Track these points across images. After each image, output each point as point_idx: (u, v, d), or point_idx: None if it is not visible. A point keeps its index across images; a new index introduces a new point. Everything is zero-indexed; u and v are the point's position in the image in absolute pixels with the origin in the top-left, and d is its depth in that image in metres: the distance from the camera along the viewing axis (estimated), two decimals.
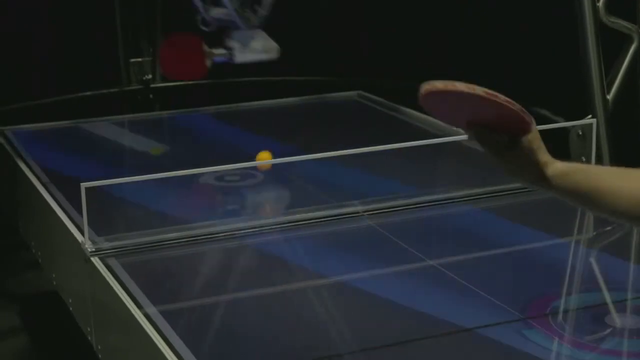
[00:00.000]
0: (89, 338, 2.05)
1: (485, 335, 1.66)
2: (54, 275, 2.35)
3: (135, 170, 2.59)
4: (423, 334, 1.68)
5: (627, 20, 2.64)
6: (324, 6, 3.52)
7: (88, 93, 3.54)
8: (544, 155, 1.20)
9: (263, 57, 3.06)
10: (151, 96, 3.55)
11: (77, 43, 3.61)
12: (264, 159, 2.26)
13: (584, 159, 2.62)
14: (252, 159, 2.61)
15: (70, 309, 2.20)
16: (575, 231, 2.19)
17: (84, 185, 1.95)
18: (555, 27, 3.08)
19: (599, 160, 2.53)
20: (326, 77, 3.46)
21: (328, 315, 1.80)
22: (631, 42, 2.64)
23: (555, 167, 1.19)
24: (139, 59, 3.56)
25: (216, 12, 3.02)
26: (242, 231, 2.10)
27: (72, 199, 2.33)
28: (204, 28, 3.06)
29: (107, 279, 1.88)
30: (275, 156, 2.60)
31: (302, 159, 2.30)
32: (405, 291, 1.86)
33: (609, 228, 2.16)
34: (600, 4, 2.59)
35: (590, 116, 2.65)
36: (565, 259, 2.04)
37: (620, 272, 1.91)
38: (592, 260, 2.02)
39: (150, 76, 3.56)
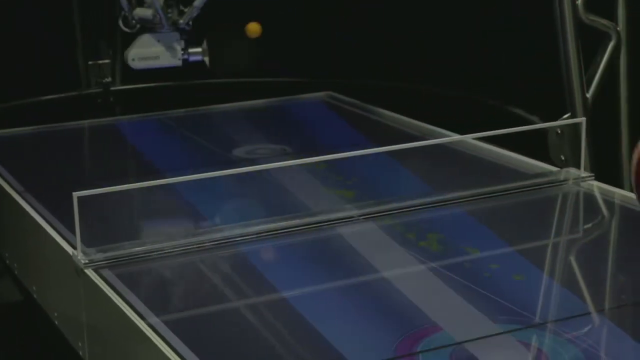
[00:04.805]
0: (80, 353, 1.98)
1: (504, 342, 1.64)
2: (34, 288, 2.27)
3: (107, 178, 2.53)
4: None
5: (605, 18, 2.66)
6: (292, 6, 3.48)
7: (45, 97, 3.44)
8: None
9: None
10: (112, 99, 3.48)
11: (32, 45, 3.51)
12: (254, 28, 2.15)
13: (562, 158, 2.63)
14: (230, 164, 2.57)
15: (56, 322, 2.13)
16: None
17: (76, 194, 1.88)
18: (522, 25, 3.09)
19: (577, 159, 2.53)
20: (294, 78, 3.42)
21: (335, 321, 1.76)
22: (609, 40, 2.66)
23: None
24: (98, 61, 3.48)
25: (140, 12, 2.93)
26: (236, 239, 2.05)
27: (52, 207, 2.26)
28: (125, 29, 2.95)
29: (105, 290, 1.81)
30: (251, 162, 2.56)
31: (290, 164, 2.26)
32: (412, 293, 1.83)
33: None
34: (579, 2, 2.60)
35: (568, 114, 2.65)
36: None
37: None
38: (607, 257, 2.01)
39: (110, 79, 3.48)
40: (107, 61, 3.48)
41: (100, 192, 1.92)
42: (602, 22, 2.65)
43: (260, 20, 3.09)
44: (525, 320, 1.70)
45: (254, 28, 2.29)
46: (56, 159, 2.78)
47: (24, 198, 2.32)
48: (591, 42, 2.67)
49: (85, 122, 3.20)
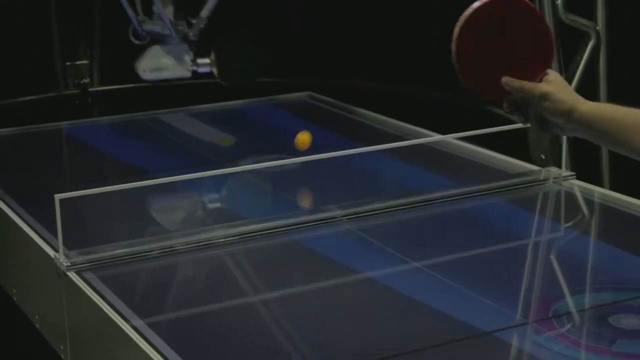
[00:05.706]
0: (62, 356, 1.97)
1: (488, 341, 1.64)
2: (14, 291, 2.25)
3: (87, 180, 2.51)
4: (426, 342, 1.65)
5: (585, 18, 2.67)
6: (273, 7, 3.47)
7: (23, 98, 3.41)
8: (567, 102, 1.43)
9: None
10: (90, 100, 3.45)
11: (9, 46, 3.48)
12: (303, 140, 2.05)
13: (543, 157, 2.63)
14: (210, 165, 2.56)
15: (37, 325, 2.11)
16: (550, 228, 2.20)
17: (57, 196, 1.86)
18: None
19: (558, 158, 2.54)
20: (275, 78, 3.40)
21: (321, 322, 1.76)
22: (589, 40, 2.67)
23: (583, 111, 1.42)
24: (76, 62, 3.46)
25: (150, 24, 2.97)
26: (220, 240, 2.04)
27: (32, 209, 2.24)
28: (135, 41, 2.98)
29: (87, 293, 1.80)
30: (232, 162, 2.55)
31: (275, 164, 2.25)
32: (396, 294, 1.84)
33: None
34: (559, 1, 2.61)
35: None
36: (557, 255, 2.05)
37: (624, 268, 1.90)
38: (589, 255, 2.02)
39: (87, 80, 3.46)
40: (85, 62, 3.46)
41: (82, 194, 1.91)
42: (581, 21, 2.67)
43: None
44: (509, 319, 1.70)
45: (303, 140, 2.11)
46: (35, 161, 2.76)
47: (3, 200, 2.30)
48: (571, 41, 2.68)
49: (64, 124, 3.17)
